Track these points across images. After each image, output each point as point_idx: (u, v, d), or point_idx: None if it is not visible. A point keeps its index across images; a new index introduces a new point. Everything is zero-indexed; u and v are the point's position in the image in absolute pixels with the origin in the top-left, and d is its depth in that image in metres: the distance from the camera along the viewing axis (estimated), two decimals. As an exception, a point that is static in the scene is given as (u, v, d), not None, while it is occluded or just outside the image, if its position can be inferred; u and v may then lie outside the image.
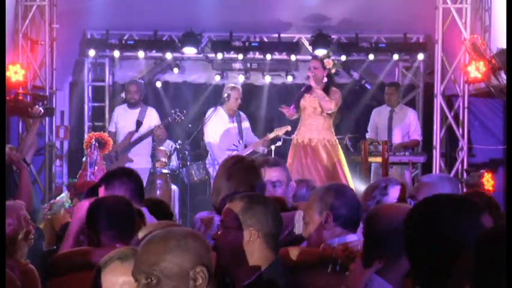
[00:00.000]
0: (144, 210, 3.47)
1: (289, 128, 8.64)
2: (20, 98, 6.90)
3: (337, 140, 7.48)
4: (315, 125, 7.34)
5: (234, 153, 8.15)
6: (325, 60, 7.33)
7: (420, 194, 3.45)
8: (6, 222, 3.49)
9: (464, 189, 8.38)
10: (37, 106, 6.76)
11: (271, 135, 8.61)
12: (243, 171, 3.46)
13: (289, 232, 3.34)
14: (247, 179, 3.42)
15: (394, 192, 3.92)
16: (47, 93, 8.89)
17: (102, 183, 3.65)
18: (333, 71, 7.50)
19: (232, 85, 8.82)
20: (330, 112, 7.30)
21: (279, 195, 3.75)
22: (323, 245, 2.85)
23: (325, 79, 7.29)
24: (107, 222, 3.10)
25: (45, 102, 7.08)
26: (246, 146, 8.62)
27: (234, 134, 8.57)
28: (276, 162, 3.94)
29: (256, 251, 2.66)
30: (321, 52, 9.85)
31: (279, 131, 8.57)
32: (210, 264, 2.18)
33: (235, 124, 8.61)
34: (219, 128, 8.47)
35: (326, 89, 7.26)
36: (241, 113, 8.78)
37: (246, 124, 8.78)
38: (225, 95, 8.49)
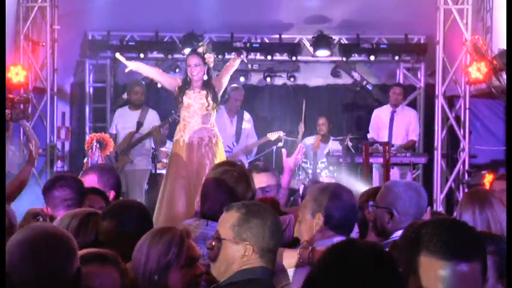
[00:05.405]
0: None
1: (281, 133, 8.63)
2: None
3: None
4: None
5: (227, 155, 8.05)
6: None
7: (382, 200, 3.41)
8: None
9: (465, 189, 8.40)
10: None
11: (262, 141, 8.65)
12: (233, 181, 3.32)
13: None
14: (237, 190, 3.29)
15: None
16: (48, 95, 8.92)
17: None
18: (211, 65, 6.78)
19: (235, 86, 8.81)
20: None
21: None
22: (310, 247, 2.79)
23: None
24: None
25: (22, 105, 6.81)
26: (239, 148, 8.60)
27: (230, 135, 8.57)
28: (265, 168, 3.87)
29: (249, 265, 2.53)
30: (322, 53, 9.88)
31: (271, 136, 8.56)
32: None
33: (234, 125, 8.62)
34: (217, 127, 8.41)
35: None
36: (246, 114, 8.75)
37: (246, 125, 8.75)
38: (226, 94, 8.45)
